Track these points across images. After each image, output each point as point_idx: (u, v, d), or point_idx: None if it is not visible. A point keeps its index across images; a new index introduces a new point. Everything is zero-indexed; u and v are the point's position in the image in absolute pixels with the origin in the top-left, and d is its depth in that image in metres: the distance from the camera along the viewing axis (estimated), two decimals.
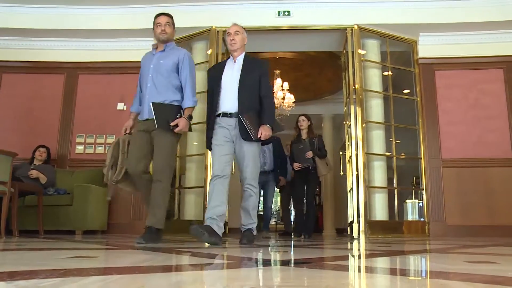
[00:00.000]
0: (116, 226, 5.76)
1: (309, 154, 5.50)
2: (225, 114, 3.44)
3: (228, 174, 3.44)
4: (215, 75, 3.62)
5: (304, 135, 5.72)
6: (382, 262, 1.95)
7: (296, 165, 5.61)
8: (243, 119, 3.31)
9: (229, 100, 3.44)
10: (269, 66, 3.73)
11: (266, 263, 1.89)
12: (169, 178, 3.57)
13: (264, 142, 5.93)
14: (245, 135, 3.33)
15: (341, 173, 6.35)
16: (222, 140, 3.42)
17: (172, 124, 3.44)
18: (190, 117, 3.58)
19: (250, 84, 3.45)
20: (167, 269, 1.56)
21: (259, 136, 3.33)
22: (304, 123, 5.73)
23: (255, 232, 3.53)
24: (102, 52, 6.34)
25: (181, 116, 3.50)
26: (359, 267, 1.78)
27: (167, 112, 3.48)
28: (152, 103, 3.44)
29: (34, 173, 5.19)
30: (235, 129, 3.41)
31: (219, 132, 3.44)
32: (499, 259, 2.03)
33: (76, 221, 5.11)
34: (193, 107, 3.64)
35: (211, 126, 3.51)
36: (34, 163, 5.47)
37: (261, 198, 6.25)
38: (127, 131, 3.77)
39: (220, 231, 3.21)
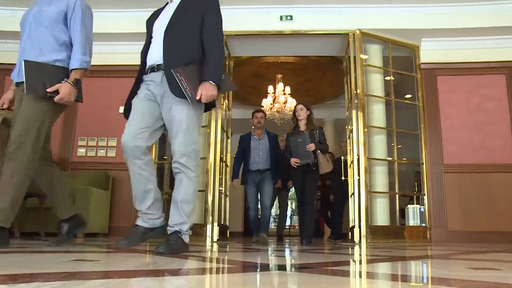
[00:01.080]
0: (117, 229, 5.75)
1: (311, 146, 4.84)
2: (152, 69, 2.65)
3: (144, 148, 2.56)
4: (149, 24, 2.88)
5: (302, 126, 5.09)
6: (383, 268, 1.95)
7: (294, 161, 4.93)
8: (175, 74, 2.46)
9: (155, 51, 2.65)
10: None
11: (267, 268, 1.89)
12: (24, 156, 2.69)
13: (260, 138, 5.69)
14: (177, 91, 2.47)
15: (343, 178, 6.31)
16: (143, 98, 2.63)
17: (49, 90, 2.71)
18: (76, 83, 2.88)
19: (183, 28, 2.62)
20: (169, 273, 1.55)
21: (198, 97, 2.47)
22: (302, 113, 5.11)
23: (187, 238, 2.56)
24: (105, 56, 6.35)
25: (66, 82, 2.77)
26: (360, 272, 1.78)
27: (44, 74, 2.73)
28: (24, 60, 2.72)
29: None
30: (161, 86, 2.57)
31: (141, 91, 2.66)
32: (502, 265, 2.02)
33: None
34: (83, 70, 2.97)
35: (134, 88, 2.73)
36: None
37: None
38: (5, 106, 3.06)
39: (156, 225, 2.60)
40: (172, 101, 2.52)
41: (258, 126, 5.78)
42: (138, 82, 2.72)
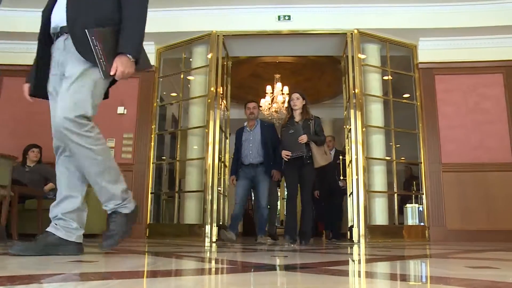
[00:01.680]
0: None
1: (303, 138, 4.45)
2: (56, 35, 2.27)
3: (61, 136, 2.07)
4: None
5: (297, 117, 4.70)
6: (382, 267, 1.95)
7: (285, 154, 4.54)
8: (89, 36, 2.02)
9: (60, 10, 2.20)
10: None
11: (266, 268, 1.89)
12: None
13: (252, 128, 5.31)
14: (82, 48, 2.04)
15: (341, 177, 6.32)
16: (52, 71, 2.27)
17: None
18: None
19: None
20: (168, 273, 1.55)
21: (113, 72, 2.06)
22: (298, 102, 4.71)
23: (125, 210, 2.22)
24: None
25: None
26: (359, 272, 1.78)
27: None
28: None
29: (48, 188, 5.16)
30: (65, 52, 2.16)
31: (52, 71, 2.30)
32: (500, 264, 2.02)
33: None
34: None
35: (38, 56, 2.40)
36: (28, 164, 5.39)
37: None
38: None
39: (72, 235, 2.19)
40: (71, 58, 2.08)
41: (251, 117, 5.37)
42: (40, 45, 2.38)
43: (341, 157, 6.42)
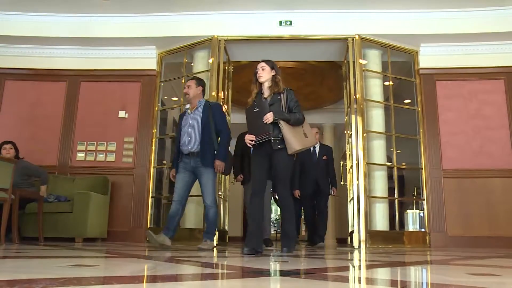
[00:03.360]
0: (116, 234, 5.74)
1: (268, 117, 3.47)
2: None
3: None
4: None
5: (266, 92, 3.72)
6: (382, 274, 1.94)
7: (248, 139, 3.61)
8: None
9: None
10: None
11: (267, 273, 1.89)
12: None
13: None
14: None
15: (342, 183, 6.31)
16: None
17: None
18: None
19: None
20: (167, 278, 1.55)
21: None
22: (264, 73, 3.71)
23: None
24: (104, 60, 6.37)
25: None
26: (359, 278, 1.77)
27: None
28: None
29: (43, 191, 5.10)
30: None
31: None
32: (501, 271, 2.01)
33: (76, 229, 5.09)
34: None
35: None
36: None
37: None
38: None
39: None
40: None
41: (186, 98, 4.48)
42: None
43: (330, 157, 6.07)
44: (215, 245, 4.26)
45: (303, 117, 3.68)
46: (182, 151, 4.33)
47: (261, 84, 3.76)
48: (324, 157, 6.05)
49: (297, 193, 5.95)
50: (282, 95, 3.68)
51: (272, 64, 3.79)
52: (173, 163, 4.49)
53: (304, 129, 3.67)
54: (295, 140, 3.54)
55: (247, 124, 3.70)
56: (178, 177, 4.32)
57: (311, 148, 5.81)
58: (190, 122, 4.33)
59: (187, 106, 4.46)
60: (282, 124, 3.52)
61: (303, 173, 5.99)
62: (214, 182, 4.32)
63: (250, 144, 3.64)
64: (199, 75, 6.22)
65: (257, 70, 3.77)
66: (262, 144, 3.61)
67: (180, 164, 4.34)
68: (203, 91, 4.50)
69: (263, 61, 3.81)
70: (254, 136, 3.58)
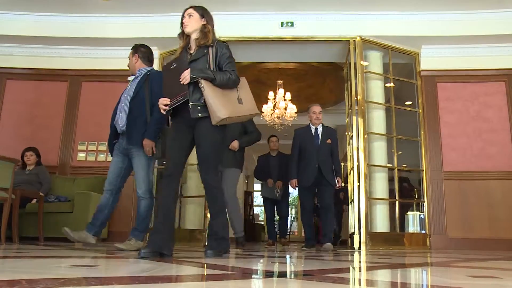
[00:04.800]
0: (116, 234, 5.73)
1: (185, 75, 2.76)
2: None
3: None
4: None
5: (193, 45, 3.03)
6: (383, 275, 1.94)
7: (162, 103, 2.87)
8: None
9: None
10: None
11: (266, 275, 1.88)
12: None
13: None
14: None
15: (342, 184, 6.30)
16: None
17: None
18: None
19: None
20: (168, 279, 1.55)
21: None
22: (191, 21, 3.01)
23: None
24: (106, 60, 6.37)
25: None
26: (359, 280, 1.77)
27: None
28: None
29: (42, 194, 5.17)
30: None
31: None
32: (502, 273, 2.01)
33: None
34: None
35: None
36: (27, 168, 5.40)
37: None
38: None
39: None
40: None
41: (132, 72, 3.90)
42: None
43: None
44: (141, 246, 3.36)
45: (237, 78, 2.91)
46: (118, 130, 3.75)
47: (188, 36, 3.05)
48: (328, 141, 5.15)
49: (294, 183, 5.18)
50: (210, 48, 2.96)
51: (202, 11, 3.05)
52: (108, 146, 3.90)
53: (239, 93, 2.91)
54: (219, 104, 2.75)
55: (164, 85, 3.00)
56: (112, 162, 3.78)
57: (312, 130, 5.20)
58: (126, 95, 3.74)
59: (129, 78, 3.89)
60: (203, 83, 2.76)
61: (302, 160, 5.14)
62: (147, 166, 3.63)
63: (163, 109, 2.89)
64: None
65: (183, 17, 3.03)
66: (182, 112, 2.89)
67: (115, 146, 3.78)
68: (142, 58, 3.83)
69: (191, 6, 3.06)
70: (167, 100, 2.86)
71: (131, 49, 3.92)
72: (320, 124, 5.23)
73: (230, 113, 2.77)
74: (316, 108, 5.23)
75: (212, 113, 2.75)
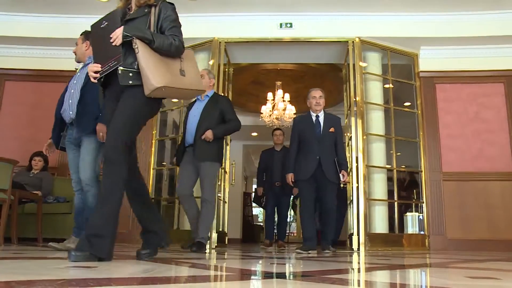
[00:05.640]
0: None
1: (117, 33, 2.32)
2: None
3: None
4: None
5: (133, 5, 2.55)
6: (382, 276, 1.94)
7: (91, 70, 2.43)
8: None
9: None
10: None
11: (265, 276, 1.88)
12: None
13: None
14: None
15: (341, 185, 6.29)
16: None
17: None
18: None
19: None
20: (167, 280, 1.55)
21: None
22: None
23: None
24: None
25: None
26: (359, 281, 1.77)
27: None
28: None
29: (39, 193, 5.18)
30: None
31: None
32: (501, 274, 2.01)
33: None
34: None
35: None
36: (33, 171, 5.44)
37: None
38: None
39: None
40: None
41: (76, 60, 3.78)
42: None
43: None
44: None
45: (181, 45, 2.47)
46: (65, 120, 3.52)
47: None
48: (331, 129, 4.49)
49: (290, 177, 4.49)
50: (153, 8, 2.49)
51: None
52: (52, 136, 3.64)
53: (183, 64, 2.46)
54: (155, 71, 2.27)
55: (92, 48, 2.63)
56: (69, 159, 3.57)
57: (313, 117, 4.55)
58: (75, 82, 3.52)
59: (77, 66, 3.77)
60: (137, 44, 2.30)
61: (301, 153, 4.48)
62: (95, 152, 3.37)
63: (93, 78, 2.44)
64: None
65: None
66: (111, 81, 2.44)
67: (66, 141, 3.57)
68: None
69: None
70: (98, 65, 2.42)
71: (81, 34, 3.64)
72: (322, 111, 4.59)
73: (168, 83, 2.28)
74: (316, 93, 4.60)
75: (146, 80, 2.25)
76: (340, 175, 4.37)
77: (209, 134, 4.11)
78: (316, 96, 4.59)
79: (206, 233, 4.18)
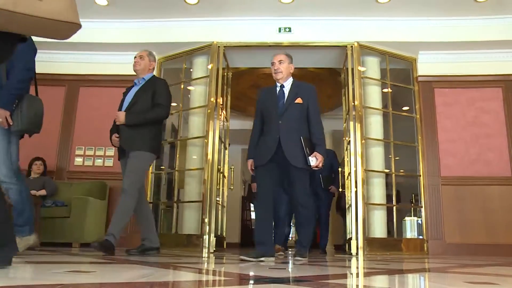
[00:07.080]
0: None
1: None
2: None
3: None
4: None
5: None
6: (381, 281, 1.94)
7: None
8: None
9: None
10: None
11: (264, 281, 1.88)
12: None
13: None
14: None
15: (340, 190, 6.30)
16: None
17: None
18: None
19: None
20: (165, 285, 1.54)
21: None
22: None
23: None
24: (103, 65, 6.38)
25: None
26: (357, 286, 1.77)
27: None
28: None
29: (38, 193, 5.19)
30: None
31: None
32: (499, 280, 2.01)
33: (73, 234, 5.08)
34: None
35: None
36: (32, 176, 5.44)
37: None
38: None
39: None
40: None
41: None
42: None
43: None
44: (33, 240, 2.98)
45: None
46: None
47: None
48: (298, 100, 3.62)
49: (250, 164, 3.65)
50: None
51: None
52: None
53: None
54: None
55: None
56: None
57: (277, 89, 3.69)
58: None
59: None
60: None
61: (264, 132, 3.64)
62: (4, 142, 3.13)
63: None
64: (198, 81, 6.26)
65: None
66: None
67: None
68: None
69: None
70: None
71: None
72: (290, 80, 3.72)
73: (5, 4, 1.43)
74: (275, 57, 3.69)
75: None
76: (310, 158, 3.37)
77: (120, 117, 3.60)
78: (275, 61, 3.70)
79: (116, 230, 3.49)
